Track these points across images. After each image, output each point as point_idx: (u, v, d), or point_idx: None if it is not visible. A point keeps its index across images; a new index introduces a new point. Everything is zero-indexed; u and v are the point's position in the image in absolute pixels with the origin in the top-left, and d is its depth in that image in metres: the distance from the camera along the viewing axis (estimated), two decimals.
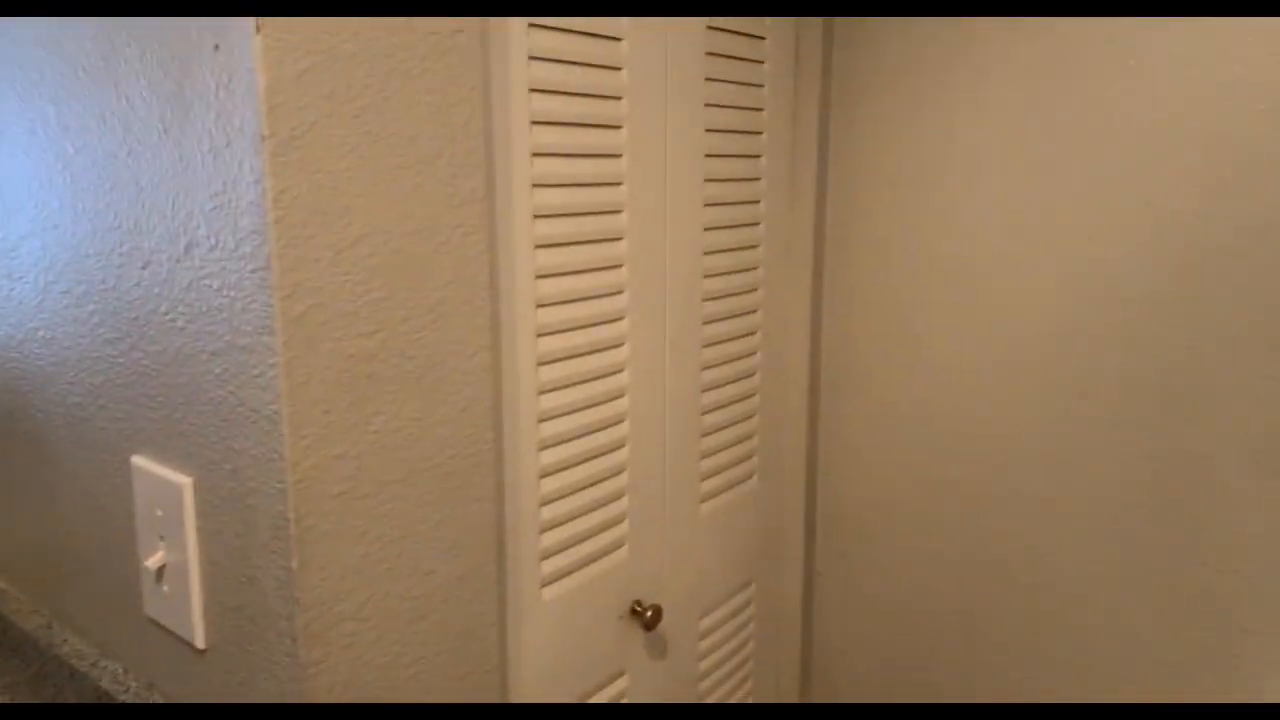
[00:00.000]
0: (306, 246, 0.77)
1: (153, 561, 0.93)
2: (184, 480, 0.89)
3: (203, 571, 0.91)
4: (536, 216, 1.01)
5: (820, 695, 1.63)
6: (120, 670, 1.05)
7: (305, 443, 0.79)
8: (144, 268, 0.89)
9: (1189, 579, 1.23)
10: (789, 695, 1.63)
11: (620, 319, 1.15)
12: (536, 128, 1.00)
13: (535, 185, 1.01)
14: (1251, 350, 1.14)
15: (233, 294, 0.79)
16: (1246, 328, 1.14)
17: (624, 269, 1.14)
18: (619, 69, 1.09)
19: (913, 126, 1.37)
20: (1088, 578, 1.31)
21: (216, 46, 0.75)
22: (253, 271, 0.77)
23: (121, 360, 0.94)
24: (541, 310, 1.04)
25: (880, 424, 1.48)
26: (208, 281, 0.82)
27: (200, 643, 0.92)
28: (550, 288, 1.05)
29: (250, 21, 0.71)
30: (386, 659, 0.89)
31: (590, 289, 1.10)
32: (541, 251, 1.03)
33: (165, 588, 0.95)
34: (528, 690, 1.09)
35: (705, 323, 1.31)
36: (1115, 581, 1.29)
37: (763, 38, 1.33)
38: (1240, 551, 1.18)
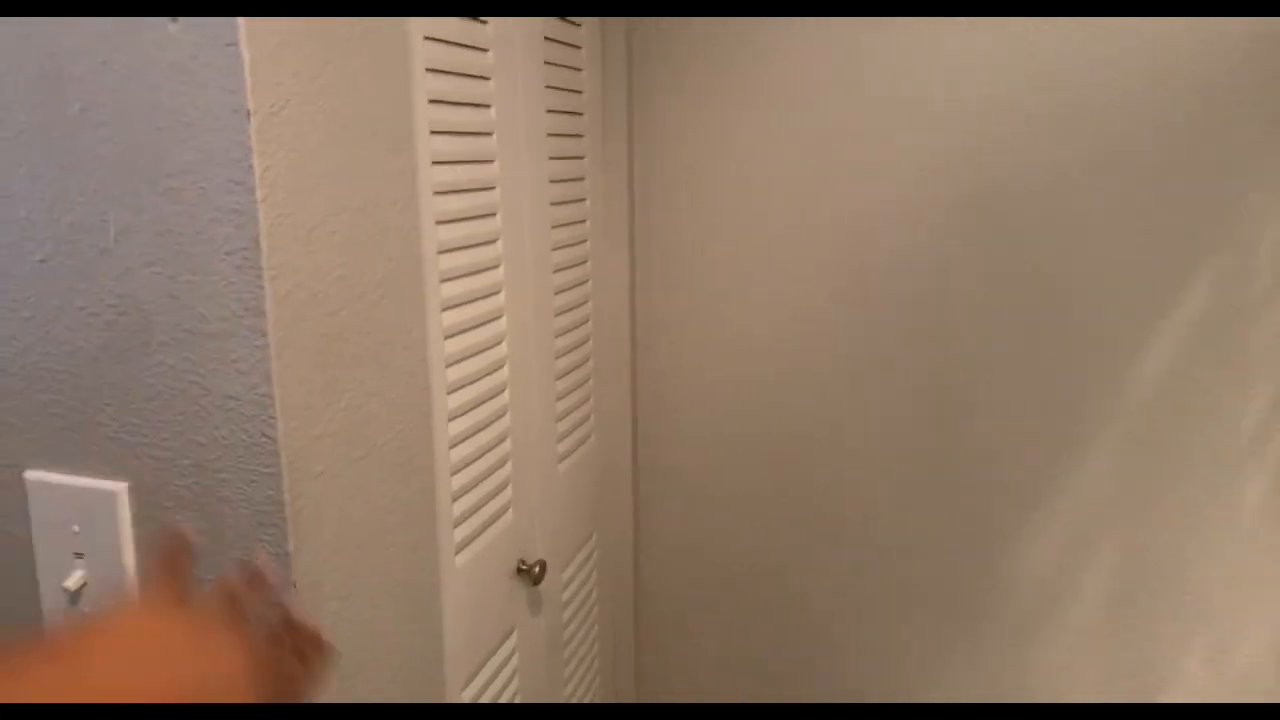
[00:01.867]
0: (287, 225, 0.76)
1: (72, 582, 0.85)
2: (116, 487, 0.83)
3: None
4: (436, 193, 1.04)
5: (650, 628, 1.79)
6: None
7: (294, 424, 0.78)
8: (42, 261, 0.81)
9: (953, 475, 1.53)
10: (625, 631, 1.77)
11: (498, 292, 1.21)
12: (431, 106, 1.03)
13: (434, 162, 1.04)
14: (995, 285, 1.45)
15: (193, 279, 0.76)
16: (993, 270, 1.44)
17: (499, 244, 1.20)
18: (486, 50, 1.14)
19: (706, 107, 1.55)
20: (878, 493, 1.58)
21: (174, 20, 0.71)
22: (229, 254, 0.74)
23: (10, 366, 0.84)
24: (444, 285, 1.07)
25: (689, 376, 1.65)
26: (154, 269, 0.77)
27: None
28: (447, 262, 1.08)
29: None
30: (360, 635, 0.90)
31: (475, 264, 1.14)
32: (441, 227, 1.06)
33: (85, 609, 0.87)
34: (451, 657, 1.13)
35: (556, 292, 1.39)
36: (898, 488, 1.57)
37: (579, 25, 1.43)
38: (992, 451, 1.51)
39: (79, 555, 0.86)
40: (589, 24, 1.46)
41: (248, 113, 0.71)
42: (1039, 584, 1.53)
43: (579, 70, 1.44)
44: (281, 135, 0.75)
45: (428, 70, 1.01)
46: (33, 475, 0.86)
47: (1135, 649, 1.51)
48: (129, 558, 0.84)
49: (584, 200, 1.49)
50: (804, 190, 1.52)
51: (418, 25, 0.98)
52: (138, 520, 0.84)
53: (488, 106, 1.15)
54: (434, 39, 1.01)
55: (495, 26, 1.15)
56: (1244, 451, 1.39)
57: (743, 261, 1.58)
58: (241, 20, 0.70)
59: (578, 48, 1.43)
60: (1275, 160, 1.30)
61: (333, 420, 0.83)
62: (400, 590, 0.97)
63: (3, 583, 0.90)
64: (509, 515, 1.28)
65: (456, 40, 1.06)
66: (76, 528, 0.85)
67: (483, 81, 1.13)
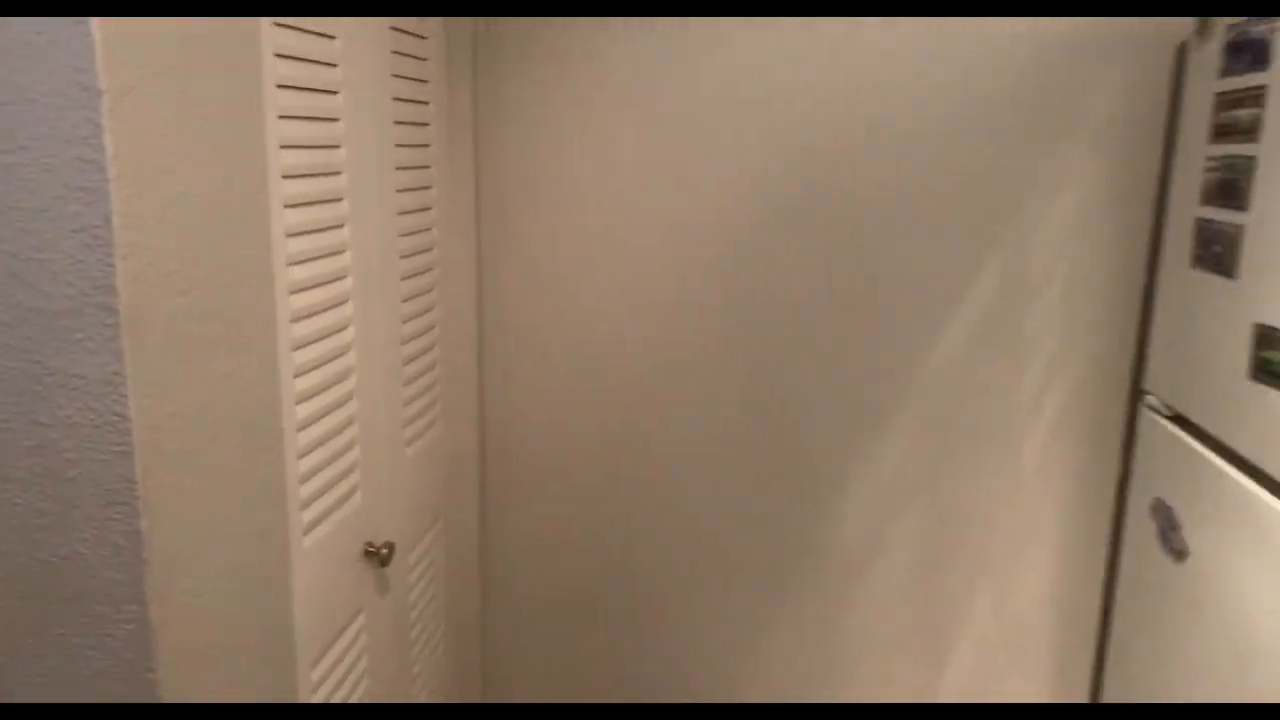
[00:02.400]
0: (138, 204, 0.77)
1: None
2: None
3: None
4: (284, 176, 1.05)
5: (495, 609, 1.83)
6: None
7: (146, 402, 0.79)
8: None
9: (775, 457, 1.66)
10: (471, 612, 1.80)
11: (345, 278, 1.22)
12: (280, 91, 1.04)
13: (283, 146, 1.05)
14: (815, 281, 1.58)
15: (37, 257, 0.75)
16: (813, 266, 1.58)
17: (345, 229, 1.21)
18: (334, 37, 1.16)
19: (549, 109, 1.61)
20: (708, 476, 1.69)
21: None
22: (76, 231, 0.74)
23: None
24: (292, 268, 1.08)
25: (533, 367, 1.71)
26: None
27: None
28: (295, 246, 1.09)
29: None
30: (212, 613, 0.91)
31: (322, 249, 1.16)
32: (289, 211, 1.07)
33: None
34: (300, 636, 1.14)
35: (402, 278, 1.41)
36: (726, 470, 1.69)
37: (425, 37, 1.46)
38: (809, 435, 1.64)
39: None
40: (433, 35, 1.49)
41: (99, 91, 0.72)
42: (849, 553, 1.69)
43: (425, 60, 1.47)
44: (134, 115, 0.75)
45: (276, 55, 1.02)
46: None
47: (933, 604, 1.69)
48: None
49: (430, 188, 1.51)
50: (644, 189, 1.60)
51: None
52: None
53: (335, 93, 1.16)
54: (283, 25, 1.03)
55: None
56: (1020, 422, 1.59)
57: (585, 260, 1.64)
58: None
59: (424, 38, 1.46)
60: (1046, 169, 1.49)
61: (185, 399, 0.84)
62: (251, 569, 0.98)
63: None
64: (357, 498, 1.29)
65: (304, 27, 1.07)
66: None
67: (330, 68, 1.15)
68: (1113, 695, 1.51)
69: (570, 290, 1.67)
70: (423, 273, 1.50)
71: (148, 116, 0.77)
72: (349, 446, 1.26)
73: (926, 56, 1.48)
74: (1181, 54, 1.40)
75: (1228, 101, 1.19)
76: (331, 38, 1.15)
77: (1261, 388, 1.06)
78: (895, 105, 1.50)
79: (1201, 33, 1.27)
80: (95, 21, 0.70)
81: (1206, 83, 1.25)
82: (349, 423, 1.25)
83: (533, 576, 1.80)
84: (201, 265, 0.86)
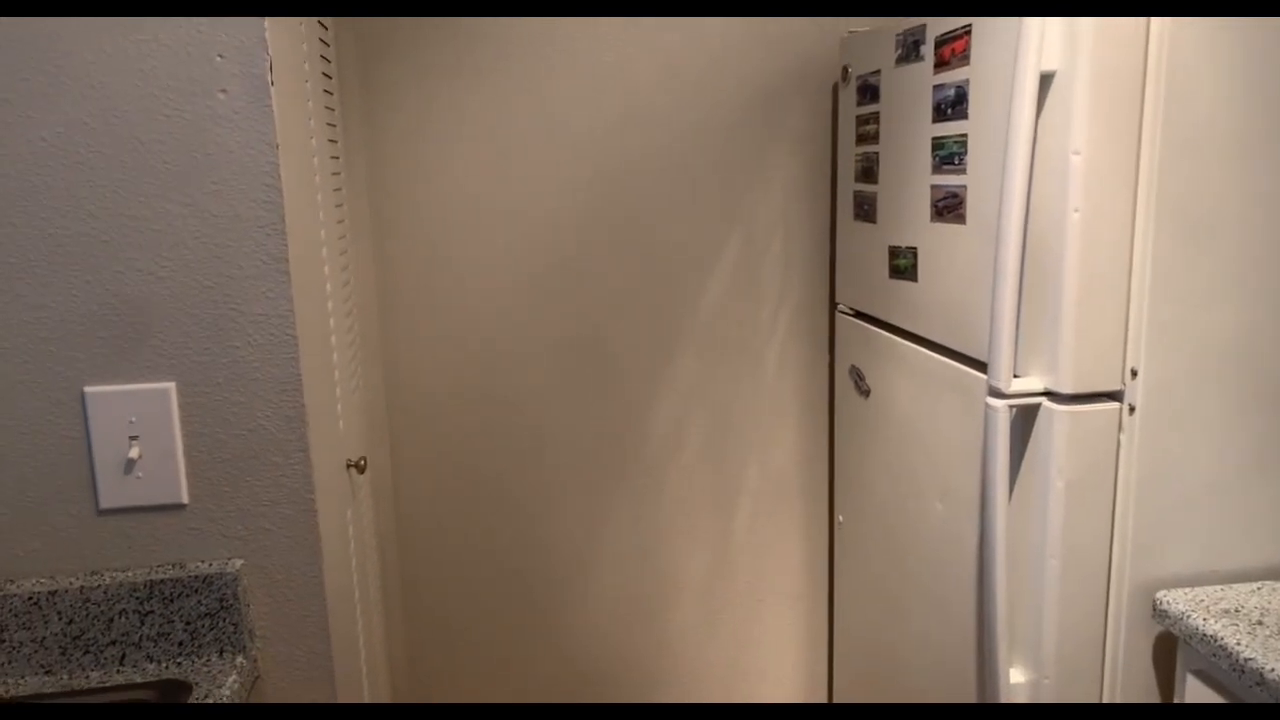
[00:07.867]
0: (292, 211, 1.30)
1: (134, 452, 1.28)
2: (166, 385, 1.28)
3: (186, 444, 1.30)
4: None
5: (409, 523, 2.35)
6: (74, 579, 1.30)
7: (301, 329, 1.32)
8: (106, 242, 1.24)
9: (601, 378, 2.34)
10: (389, 522, 2.32)
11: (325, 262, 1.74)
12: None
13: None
14: (618, 250, 2.28)
15: (231, 244, 1.26)
16: (616, 242, 2.27)
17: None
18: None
19: (425, 111, 2.18)
20: (556, 399, 2.33)
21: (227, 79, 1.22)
22: (261, 227, 1.26)
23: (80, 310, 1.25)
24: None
25: (424, 329, 2.26)
26: (200, 240, 1.26)
27: (185, 498, 1.31)
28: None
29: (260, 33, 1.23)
30: (321, 462, 1.43)
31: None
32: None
33: (139, 474, 1.29)
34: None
35: (343, 269, 1.93)
36: (564, 389, 2.34)
37: (326, 26, 1.99)
38: (625, 361, 2.34)
39: (135, 438, 1.29)
40: (331, 26, 2.02)
41: (276, 145, 1.25)
42: (662, 444, 2.40)
43: (328, 61, 1.99)
44: (286, 155, 1.28)
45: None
46: (93, 389, 1.27)
47: (721, 470, 2.44)
48: (177, 435, 1.30)
49: (339, 179, 2.04)
50: (502, 186, 2.21)
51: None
52: (183, 405, 1.30)
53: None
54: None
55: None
56: (763, 339, 2.37)
57: (462, 241, 2.23)
58: (273, 89, 1.24)
59: (325, 34, 1.98)
60: (764, 168, 2.28)
61: (306, 326, 1.37)
62: (333, 451, 1.50)
63: (69, 468, 1.28)
64: (340, 424, 1.81)
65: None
66: (133, 418, 1.28)
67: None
68: (841, 507, 2.34)
69: (454, 269, 2.24)
70: (345, 251, 2.02)
71: (288, 154, 1.30)
72: (335, 385, 1.78)
73: (686, 92, 2.22)
74: (835, 92, 2.25)
75: (862, 120, 2.02)
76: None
77: (895, 281, 1.89)
78: (667, 129, 2.23)
79: (845, 79, 2.11)
80: (274, 99, 1.24)
81: (850, 110, 2.08)
82: (335, 368, 1.77)
83: (433, 494, 2.35)
84: (296, 244, 1.39)
